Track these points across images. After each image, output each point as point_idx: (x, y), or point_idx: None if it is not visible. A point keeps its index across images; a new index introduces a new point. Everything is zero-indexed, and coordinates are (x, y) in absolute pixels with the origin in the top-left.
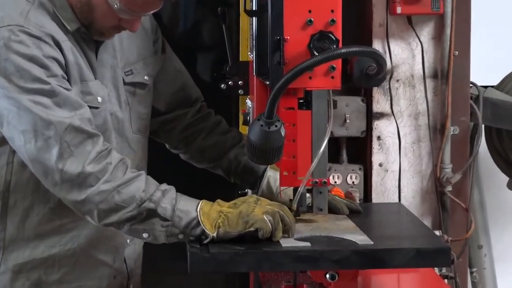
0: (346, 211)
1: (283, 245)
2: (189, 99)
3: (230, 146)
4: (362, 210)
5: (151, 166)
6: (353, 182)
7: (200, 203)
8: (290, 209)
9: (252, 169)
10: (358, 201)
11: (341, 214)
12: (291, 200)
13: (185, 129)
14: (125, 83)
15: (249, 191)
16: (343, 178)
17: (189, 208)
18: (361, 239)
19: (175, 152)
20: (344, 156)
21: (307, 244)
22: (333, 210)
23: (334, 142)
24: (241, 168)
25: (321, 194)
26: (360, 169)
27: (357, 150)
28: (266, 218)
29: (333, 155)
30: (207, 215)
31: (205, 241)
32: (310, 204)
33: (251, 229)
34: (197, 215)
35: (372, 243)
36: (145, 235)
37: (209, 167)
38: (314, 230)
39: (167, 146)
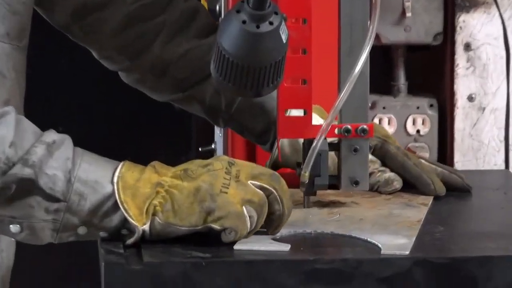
0: (441, 190)
1: (235, 246)
2: None
3: None
4: (471, 187)
5: (40, 104)
6: (417, 132)
7: (119, 167)
8: (288, 183)
9: (261, 105)
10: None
11: (431, 193)
12: (300, 165)
13: (125, 25)
14: None
15: (216, 146)
16: (399, 124)
17: (98, 176)
18: (393, 244)
19: (112, 69)
20: (402, 81)
21: (282, 247)
22: (416, 184)
23: (384, 55)
24: (240, 103)
25: (358, 153)
26: (431, 106)
27: (427, 70)
28: (245, 213)
29: (382, 80)
30: (133, 190)
31: (130, 241)
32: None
33: (216, 226)
34: (114, 190)
35: (407, 252)
36: (14, 228)
37: (176, 100)
38: (337, 222)
39: (94, 54)
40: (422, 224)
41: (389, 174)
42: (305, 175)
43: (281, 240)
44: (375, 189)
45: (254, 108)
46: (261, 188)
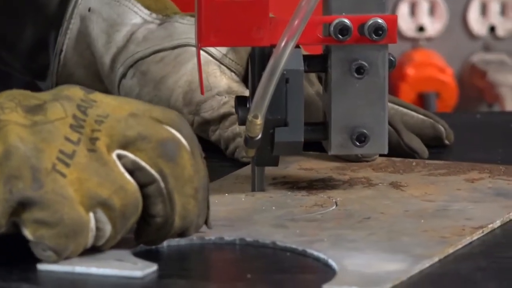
0: (423, 152)
1: (40, 265)
2: None
3: None
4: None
5: None
6: (491, 30)
7: None
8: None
9: None
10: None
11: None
12: (242, 102)
13: None
14: None
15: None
16: (452, 14)
17: None
18: (363, 273)
19: None
20: None
21: (134, 272)
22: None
23: None
24: None
25: (365, 76)
26: None
27: None
28: (91, 225)
29: None
30: None
31: None
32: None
33: (27, 234)
34: None
35: None
36: None
37: None
38: (309, 223)
39: None
40: (488, 234)
41: None
42: (256, 123)
43: (157, 253)
44: None
45: None
46: (137, 168)
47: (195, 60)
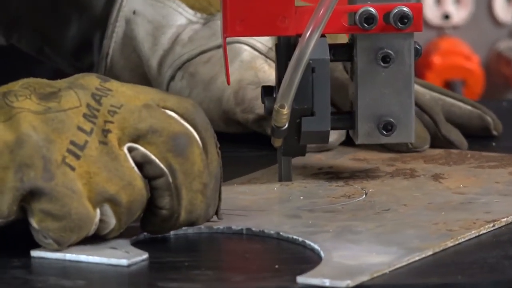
0: (461, 144)
1: (34, 252)
2: None
3: None
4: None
5: None
6: None
7: None
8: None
9: None
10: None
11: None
12: (268, 91)
13: None
14: None
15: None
16: (478, 2)
17: None
18: (344, 265)
19: None
20: None
21: (120, 260)
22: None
23: None
24: None
25: (391, 65)
26: None
27: None
28: (96, 220)
29: None
30: None
31: None
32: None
33: (33, 223)
34: None
35: (346, 284)
36: None
37: None
38: (324, 214)
39: None
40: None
41: None
42: (282, 112)
43: (164, 242)
44: None
45: None
46: (146, 162)
47: (241, 57)
